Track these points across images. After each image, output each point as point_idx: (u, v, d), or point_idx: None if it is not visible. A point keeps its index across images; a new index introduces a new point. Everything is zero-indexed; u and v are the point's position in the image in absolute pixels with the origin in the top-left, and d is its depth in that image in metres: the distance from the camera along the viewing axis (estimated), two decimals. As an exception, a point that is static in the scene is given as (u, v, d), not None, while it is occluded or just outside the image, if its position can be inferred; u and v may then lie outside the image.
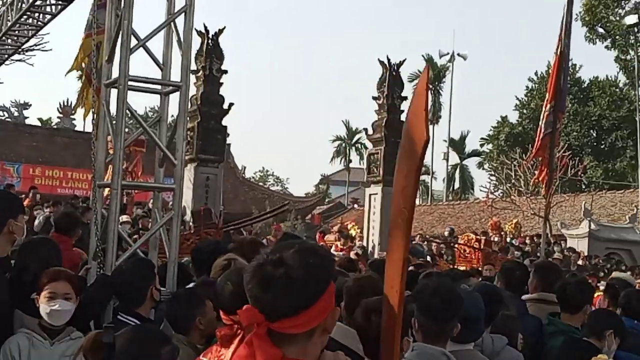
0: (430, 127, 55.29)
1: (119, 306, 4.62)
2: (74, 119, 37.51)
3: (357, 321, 3.45)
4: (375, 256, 16.19)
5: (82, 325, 4.48)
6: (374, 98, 21.28)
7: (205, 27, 19.22)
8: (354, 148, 66.59)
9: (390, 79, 20.81)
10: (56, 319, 4.15)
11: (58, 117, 38.99)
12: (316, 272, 1.91)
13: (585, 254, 22.99)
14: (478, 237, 17.74)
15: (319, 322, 1.94)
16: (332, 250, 17.33)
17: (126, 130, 5.87)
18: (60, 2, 9.71)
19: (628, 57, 25.99)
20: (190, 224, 13.31)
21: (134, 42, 5.31)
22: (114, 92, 5.41)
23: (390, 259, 2.84)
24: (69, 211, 7.70)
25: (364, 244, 19.51)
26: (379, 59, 21.08)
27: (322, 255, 1.98)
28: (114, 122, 5.28)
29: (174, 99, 5.68)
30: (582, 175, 42.08)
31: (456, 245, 18.14)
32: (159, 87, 5.86)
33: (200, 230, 11.03)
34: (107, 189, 5.95)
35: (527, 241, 23.92)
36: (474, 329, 4.08)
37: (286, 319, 1.88)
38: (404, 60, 21.30)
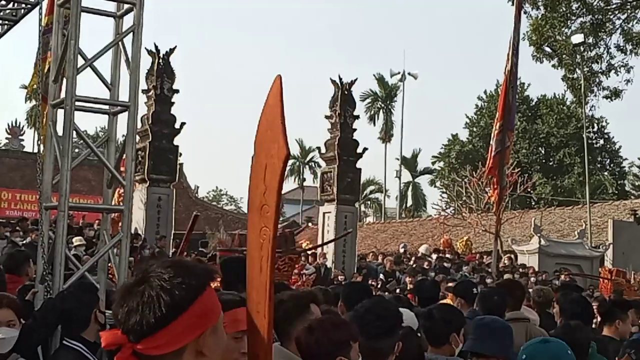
0: (383, 145, 54.66)
1: (64, 331, 4.51)
2: (23, 140, 36.98)
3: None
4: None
5: (29, 351, 4.37)
6: (327, 117, 21.41)
7: (156, 47, 19.15)
8: (307, 167, 66.55)
9: (342, 97, 21.01)
10: (1, 348, 4.05)
11: (6, 138, 38.38)
12: (175, 287, 1.78)
13: (536, 269, 23.29)
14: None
15: (186, 341, 1.79)
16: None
17: (76, 150, 5.76)
18: (6, 23, 9.57)
19: (575, 76, 26.45)
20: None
21: (81, 61, 5.24)
22: (60, 112, 5.31)
23: (253, 284, 2.61)
24: (12, 252, 7.41)
25: (318, 262, 19.50)
26: (330, 78, 21.30)
27: (188, 271, 1.84)
28: (61, 142, 5.19)
29: (124, 119, 5.60)
30: (532, 191, 42.74)
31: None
32: (107, 107, 5.78)
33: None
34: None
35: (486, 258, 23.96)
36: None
37: (148, 338, 1.76)
38: (355, 80, 21.55)
